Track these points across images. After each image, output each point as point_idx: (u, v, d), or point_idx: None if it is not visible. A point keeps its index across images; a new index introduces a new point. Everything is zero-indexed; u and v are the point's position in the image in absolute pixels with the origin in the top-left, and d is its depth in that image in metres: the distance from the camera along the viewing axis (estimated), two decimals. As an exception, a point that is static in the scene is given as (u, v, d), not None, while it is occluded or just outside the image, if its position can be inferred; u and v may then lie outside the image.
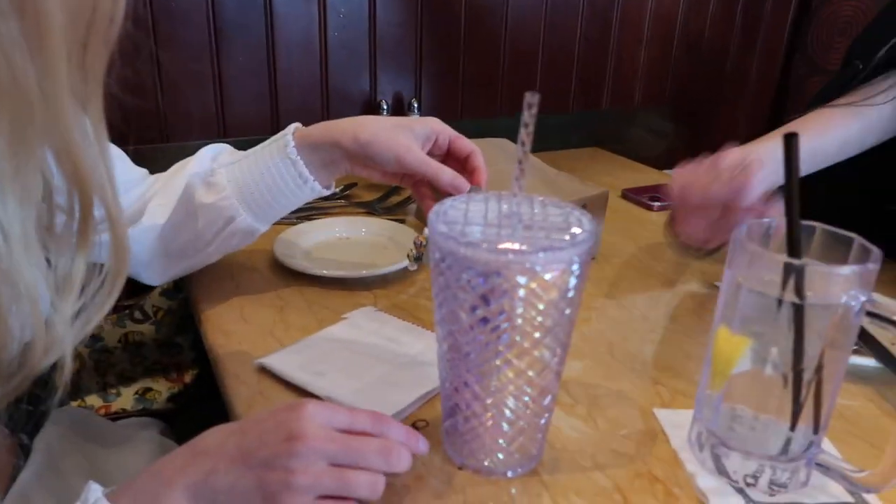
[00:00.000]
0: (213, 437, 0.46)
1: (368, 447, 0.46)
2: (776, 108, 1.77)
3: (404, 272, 0.83)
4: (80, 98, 0.39)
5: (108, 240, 0.44)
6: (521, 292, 0.44)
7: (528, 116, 0.44)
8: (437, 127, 0.71)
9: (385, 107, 1.25)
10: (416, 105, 1.25)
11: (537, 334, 0.46)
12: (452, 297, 0.46)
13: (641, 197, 1.12)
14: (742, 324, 0.50)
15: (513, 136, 1.43)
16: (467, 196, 0.51)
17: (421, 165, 0.67)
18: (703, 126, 1.71)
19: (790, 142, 0.42)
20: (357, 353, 0.65)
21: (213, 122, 1.16)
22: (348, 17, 1.20)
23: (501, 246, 0.45)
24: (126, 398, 0.99)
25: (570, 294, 0.46)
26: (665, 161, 1.63)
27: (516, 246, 0.46)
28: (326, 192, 0.73)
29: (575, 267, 0.45)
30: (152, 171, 0.78)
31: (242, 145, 0.76)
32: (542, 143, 1.47)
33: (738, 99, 1.73)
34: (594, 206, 0.87)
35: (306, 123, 0.72)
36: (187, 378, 1.04)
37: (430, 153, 0.71)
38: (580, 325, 0.73)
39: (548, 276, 0.44)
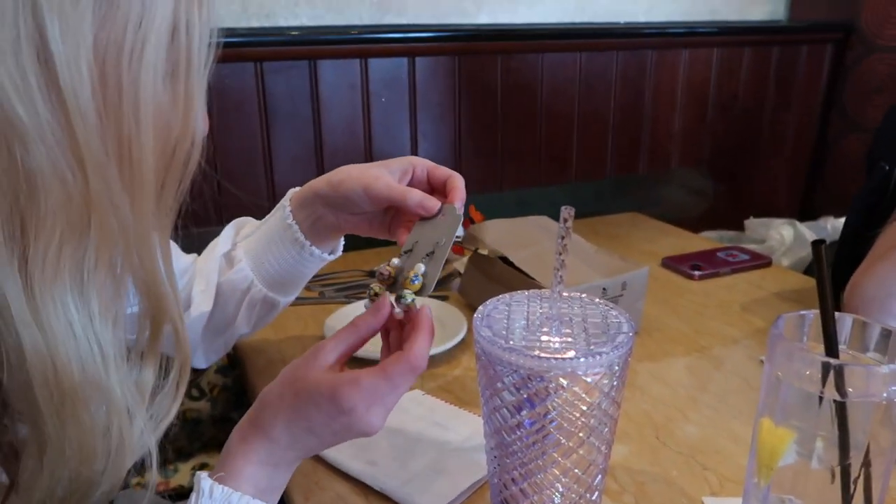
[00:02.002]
0: (286, 436, 0.50)
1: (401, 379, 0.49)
2: (814, 165, 1.76)
3: (449, 352, 0.86)
4: (157, 231, 0.44)
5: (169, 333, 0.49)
6: (565, 395, 0.46)
7: (563, 230, 0.47)
8: (414, 160, 0.69)
9: (426, 183, 1.30)
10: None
11: (582, 434, 0.47)
12: (497, 398, 0.48)
13: (682, 266, 1.13)
14: (784, 417, 0.51)
15: (553, 204, 1.46)
16: (510, 297, 0.54)
17: (387, 190, 0.64)
18: (741, 185, 1.72)
19: (818, 248, 0.44)
20: (407, 440, 0.67)
21: (265, 205, 1.22)
22: (389, 101, 1.26)
23: (543, 348, 0.48)
24: (184, 474, 1.02)
25: (613, 394, 0.47)
26: (706, 222, 1.63)
27: (558, 346, 0.48)
28: (329, 258, 0.74)
29: (616, 369, 0.47)
30: None
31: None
32: (581, 209, 1.49)
33: (775, 157, 1.73)
34: (635, 283, 0.88)
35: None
36: (242, 453, 1.07)
37: (412, 185, 0.68)
38: (625, 405, 0.74)
39: (590, 380, 0.46)
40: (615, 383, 0.47)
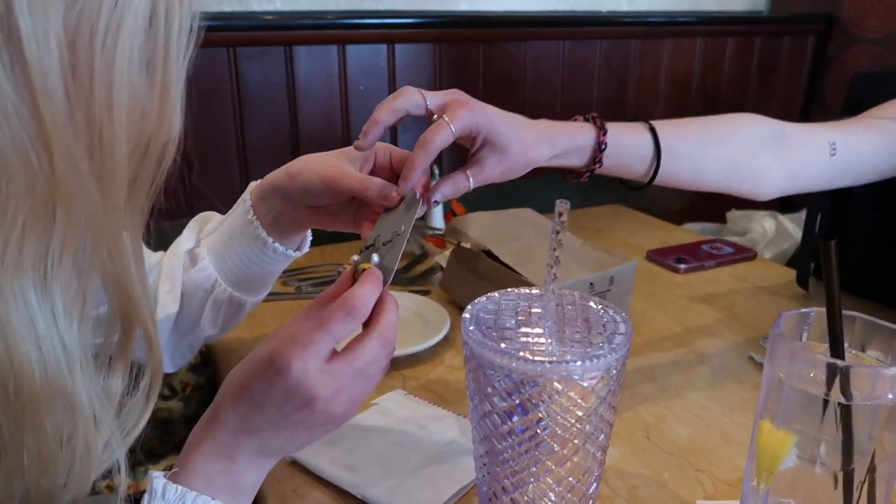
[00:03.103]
0: (234, 418, 0.46)
1: (371, 363, 0.46)
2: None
3: (432, 350, 0.83)
4: (128, 229, 0.40)
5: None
6: (560, 400, 0.43)
7: (559, 224, 0.44)
8: (375, 146, 0.63)
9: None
10: (437, 171, 1.27)
11: (577, 441, 0.45)
12: (488, 403, 0.45)
13: (667, 259, 1.11)
14: (786, 420, 0.48)
15: (534, 197, 1.44)
16: (499, 295, 0.51)
17: (346, 180, 0.60)
18: (723, 177, 1.71)
19: (828, 246, 0.42)
20: (389, 444, 0.64)
21: (238, 193, 1.18)
22: (368, 89, 1.22)
23: (536, 350, 0.45)
24: (154, 476, 0.99)
25: (610, 399, 0.45)
26: (688, 214, 1.62)
27: (551, 348, 0.45)
28: (295, 255, 0.69)
29: (614, 372, 0.44)
30: None
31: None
32: (563, 202, 1.48)
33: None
34: (622, 278, 0.86)
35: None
36: (215, 453, 1.03)
37: (375, 173, 0.64)
38: (614, 405, 0.72)
39: (586, 384, 0.43)
40: (612, 387, 0.44)
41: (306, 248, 0.72)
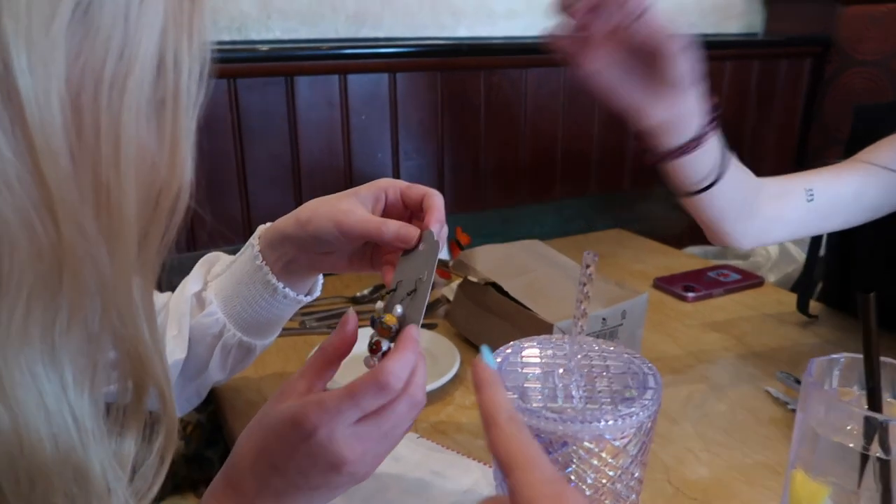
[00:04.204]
0: (253, 483, 0.45)
1: (397, 424, 0.45)
2: (796, 179, 1.76)
3: (441, 389, 0.81)
4: (138, 286, 0.39)
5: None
6: (591, 460, 0.42)
7: (585, 276, 0.43)
8: (383, 184, 0.63)
9: (408, 203, 1.25)
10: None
11: (608, 501, 0.43)
12: (515, 462, 0.44)
13: (674, 287, 1.10)
14: (821, 471, 0.47)
15: (537, 222, 1.43)
16: (520, 343, 0.49)
17: (361, 225, 0.58)
18: (723, 199, 1.70)
19: (867, 299, 0.41)
20: (404, 494, 0.62)
21: (239, 228, 1.16)
22: (370, 118, 1.21)
23: (564, 408, 0.43)
24: (155, 518, 0.96)
25: (641, 457, 0.43)
26: (689, 237, 1.62)
27: (580, 404, 0.43)
28: (306, 300, 0.68)
29: (645, 429, 0.42)
30: (180, 279, 0.76)
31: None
32: (565, 227, 1.47)
33: (757, 172, 1.72)
34: (634, 311, 0.84)
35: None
36: (216, 493, 1.01)
37: (387, 214, 0.63)
38: (631, 446, 0.70)
39: (618, 443, 0.41)
40: (644, 444, 0.43)
41: (317, 293, 0.70)
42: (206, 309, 0.66)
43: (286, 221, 0.63)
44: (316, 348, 0.50)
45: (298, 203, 1.18)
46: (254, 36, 1.16)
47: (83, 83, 0.32)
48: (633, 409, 0.41)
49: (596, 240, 1.42)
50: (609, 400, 0.43)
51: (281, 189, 1.18)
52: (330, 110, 1.18)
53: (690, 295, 1.08)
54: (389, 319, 0.47)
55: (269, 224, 0.67)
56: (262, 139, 1.14)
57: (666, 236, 1.45)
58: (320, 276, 0.70)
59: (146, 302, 0.40)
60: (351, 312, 0.50)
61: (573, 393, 0.44)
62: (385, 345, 0.48)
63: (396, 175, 1.27)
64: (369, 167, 1.24)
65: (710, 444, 0.72)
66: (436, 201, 0.59)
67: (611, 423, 0.40)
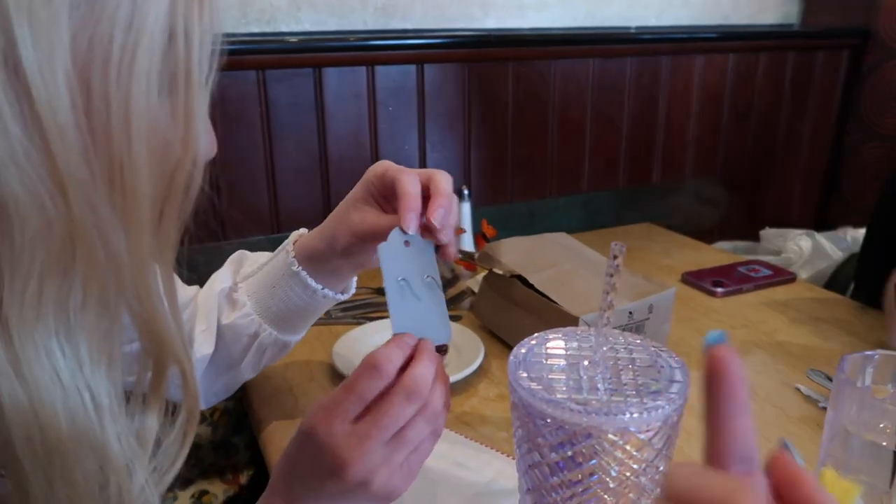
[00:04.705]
0: (281, 489, 0.47)
1: (397, 421, 0.45)
2: (830, 175, 1.72)
3: (465, 381, 0.81)
4: (157, 262, 0.39)
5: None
6: (615, 453, 0.41)
7: (612, 267, 0.42)
8: (377, 170, 0.61)
9: (435, 195, 1.25)
10: (466, 192, 1.25)
11: (632, 495, 0.43)
12: (537, 453, 0.43)
13: (703, 282, 1.08)
14: (852, 470, 0.46)
15: (565, 215, 1.42)
16: (544, 335, 0.49)
17: (375, 227, 0.58)
18: (755, 195, 1.67)
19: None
20: (426, 484, 0.62)
21: (267, 217, 1.18)
22: (397, 110, 1.21)
23: (589, 400, 0.43)
24: (183, 502, 0.98)
25: (667, 451, 0.42)
26: (720, 232, 1.59)
27: (604, 396, 0.43)
28: (343, 297, 0.69)
29: (672, 422, 0.42)
30: (210, 271, 0.77)
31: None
32: (593, 220, 1.45)
33: (790, 166, 1.69)
34: (661, 306, 0.83)
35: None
36: (243, 479, 1.02)
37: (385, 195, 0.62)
38: (657, 441, 0.70)
39: (643, 436, 0.41)
40: (670, 437, 0.42)
41: (353, 290, 0.71)
42: (241, 311, 0.68)
43: (311, 242, 0.65)
44: (345, 382, 0.48)
45: (326, 193, 1.20)
46: (283, 28, 1.16)
47: (91, 56, 0.32)
48: (659, 403, 0.41)
49: (624, 233, 1.40)
50: (634, 393, 0.43)
51: (308, 179, 1.19)
52: (357, 101, 1.18)
53: (719, 290, 1.06)
54: None
55: (303, 231, 0.68)
56: (289, 130, 1.15)
57: (695, 231, 1.43)
58: (355, 276, 0.72)
59: (165, 280, 0.40)
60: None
61: (598, 385, 0.44)
62: None
63: (423, 166, 1.26)
64: (396, 158, 1.23)
65: (738, 441, 0.70)
66: (440, 184, 0.56)
67: (636, 415, 0.40)
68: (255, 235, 1.16)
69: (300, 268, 0.65)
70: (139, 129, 0.34)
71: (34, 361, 0.34)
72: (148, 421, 0.43)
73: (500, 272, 0.88)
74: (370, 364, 0.45)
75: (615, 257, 0.42)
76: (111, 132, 0.33)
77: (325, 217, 1.24)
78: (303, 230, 0.68)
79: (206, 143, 0.40)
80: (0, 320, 0.32)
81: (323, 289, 0.66)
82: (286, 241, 0.67)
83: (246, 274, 0.70)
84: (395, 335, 0.48)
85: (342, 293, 0.69)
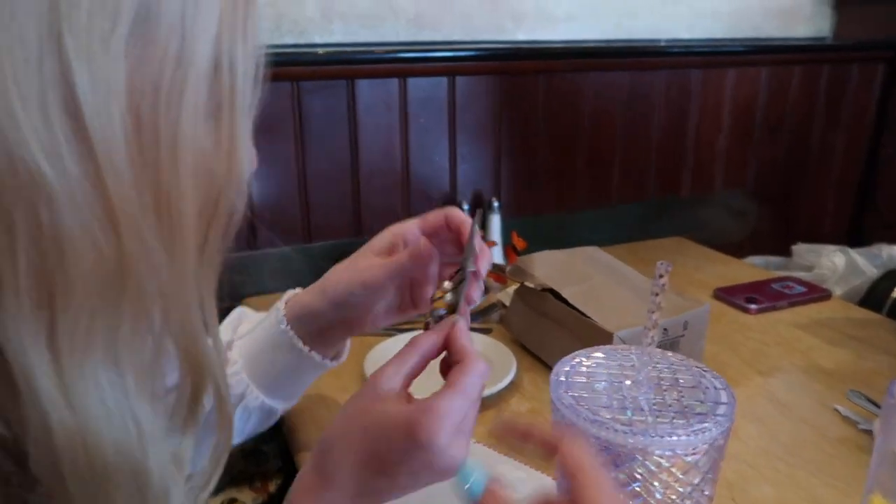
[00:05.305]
0: (354, 483, 0.46)
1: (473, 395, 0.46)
2: (864, 189, 1.69)
3: (497, 396, 0.81)
4: (200, 286, 0.39)
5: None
6: (661, 476, 0.41)
7: (658, 286, 0.42)
8: (395, 229, 0.63)
9: (465, 206, 1.25)
10: (495, 203, 1.25)
11: (677, 518, 0.42)
12: (580, 473, 0.43)
13: (736, 298, 1.07)
14: (902, 497, 0.45)
15: (594, 228, 1.41)
16: (586, 353, 0.48)
17: (382, 269, 0.60)
18: (787, 208, 1.65)
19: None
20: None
21: (299, 227, 1.19)
22: (428, 121, 1.22)
23: (633, 419, 0.42)
24: (212, 509, 0.98)
25: (713, 474, 0.42)
26: (750, 247, 1.57)
27: (649, 417, 0.43)
28: (332, 364, 0.68)
29: (718, 445, 0.41)
30: (239, 281, 0.77)
31: (328, 250, 0.73)
32: (622, 233, 1.44)
33: (823, 180, 1.66)
34: (696, 322, 0.82)
35: (387, 223, 0.66)
36: (272, 487, 1.03)
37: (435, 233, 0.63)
38: (693, 461, 0.69)
39: (689, 459, 0.41)
40: (715, 461, 0.42)
41: (344, 357, 0.70)
42: (232, 368, 0.66)
43: (311, 297, 0.64)
44: (408, 342, 0.50)
45: (356, 205, 1.20)
46: (316, 39, 1.18)
47: (142, 93, 0.32)
48: (706, 425, 0.41)
49: (655, 248, 1.39)
50: (679, 414, 0.42)
51: (339, 190, 1.19)
52: (389, 113, 1.19)
53: (753, 307, 1.05)
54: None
55: (296, 290, 0.67)
56: (321, 141, 1.16)
57: (725, 243, 1.42)
58: (348, 341, 0.70)
59: (207, 303, 0.40)
60: (456, 318, 0.50)
61: (643, 406, 0.43)
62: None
63: (453, 178, 1.27)
64: (427, 170, 1.25)
65: (775, 462, 0.69)
66: (459, 225, 0.60)
67: (683, 437, 0.40)
68: (287, 245, 1.17)
69: (288, 326, 0.64)
70: (186, 159, 0.34)
71: (83, 391, 0.34)
72: (185, 443, 0.43)
73: (532, 285, 0.88)
74: (480, 369, 0.47)
75: (661, 276, 0.41)
76: (160, 164, 0.34)
77: (355, 228, 1.25)
78: (297, 289, 0.67)
79: (249, 169, 0.40)
80: (52, 351, 0.33)
81: (310, 350, 0.65)
82: (279, 301, 0.67)
83: (241, 333, 0.70)
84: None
85: (333, 359, 0.68)
